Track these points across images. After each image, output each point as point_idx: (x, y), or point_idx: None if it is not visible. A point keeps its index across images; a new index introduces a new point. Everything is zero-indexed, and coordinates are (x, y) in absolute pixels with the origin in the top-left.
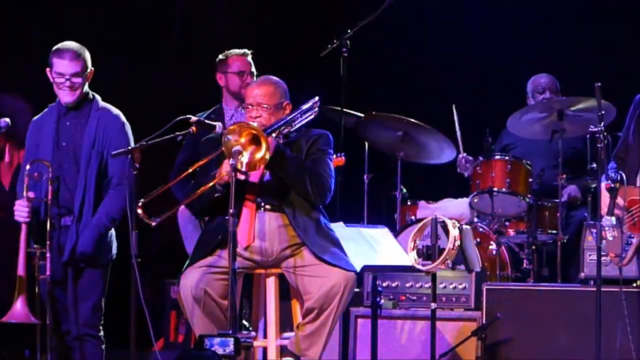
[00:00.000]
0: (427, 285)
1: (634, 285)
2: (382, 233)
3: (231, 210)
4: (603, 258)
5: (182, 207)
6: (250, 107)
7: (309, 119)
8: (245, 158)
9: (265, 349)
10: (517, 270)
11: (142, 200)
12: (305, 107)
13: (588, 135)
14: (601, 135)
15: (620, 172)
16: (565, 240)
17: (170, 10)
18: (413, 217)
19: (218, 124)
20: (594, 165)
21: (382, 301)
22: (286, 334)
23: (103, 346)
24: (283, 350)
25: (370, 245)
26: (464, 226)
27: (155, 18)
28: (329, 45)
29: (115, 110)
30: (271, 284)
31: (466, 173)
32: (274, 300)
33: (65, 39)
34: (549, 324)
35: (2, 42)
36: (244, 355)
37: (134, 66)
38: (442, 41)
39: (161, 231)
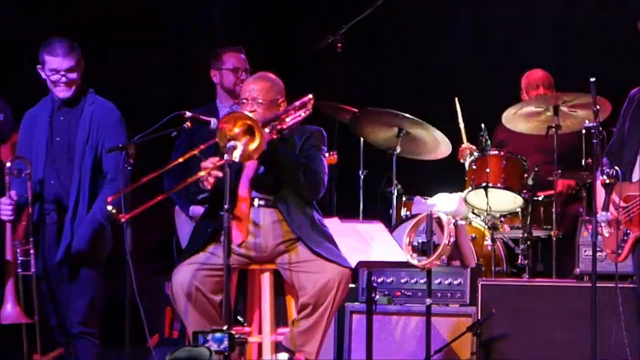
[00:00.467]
0: (422, 281)
1: (629, 281)
2: (377, 229)
3: (226, 206)
4: (598, 254)
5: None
6: (245, 101)
7: (302, 116)
8: (239, 149)
9: (260, 345)
10: (512, 266)
11: (110, 196)
12: (298, 103)
13: (583, 131)
14: (596, 131)
15: (616, 167)
16: (560, 236)
17: (165, 5)
18: (408, 213)
19: (213, 120)
20: (589, 160)
21: (377, 297)
22: (281, 330)
23: (97, 343)
24: (278, 346)
25: (365, 241)
26: (459, 222)
27: (149, 13)
28: (324, 41)
29: (109, 104)
30: (266, 279)
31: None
32: (269, 296)
33: (59, 32)
34: (544, 319)
35: None
36: (238, 351)
37: (128, 62)
38: (436, 36)
39: (157, 227)
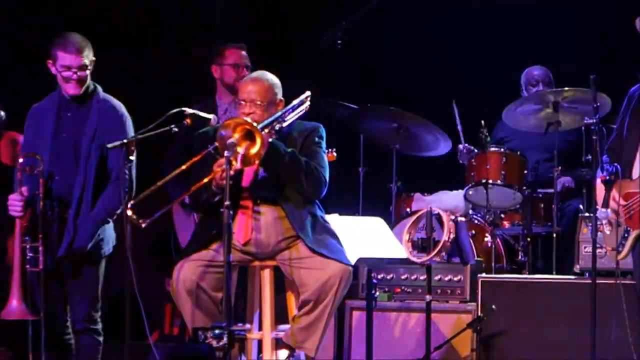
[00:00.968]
0: (422, 278)
1: (629, 277)
2: (377, 225)
3: (226, 203)
4: (598, 250)
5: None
6: (243, 103)
7: (300, 114)
8: (240, 152)
9: (260, 342)
10: (512, 262)
11: (131, 201)
12: (296, 102)
13: (583, 128)
14: (596, 128)
15: (616, 164)
16: (560, 232)
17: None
18: (408, 210)
19: (213, 116)
20: (589, 157)
21: (377, 293)
22: (281, 327)
23: (101, 338)
24: (278, 343)
25: (365, 237)
26: (459, 218)
27: (149, 9)
28: (324, 38)
29: (116, 102)
30: (266, 276)
31: (466, 162)
32: (269, 293)
33: (58, 29)
34: (544, 316)
35: None
36: (238, 348)
37: (127, 58)
38: (435, 33)
39: (156, 224)
